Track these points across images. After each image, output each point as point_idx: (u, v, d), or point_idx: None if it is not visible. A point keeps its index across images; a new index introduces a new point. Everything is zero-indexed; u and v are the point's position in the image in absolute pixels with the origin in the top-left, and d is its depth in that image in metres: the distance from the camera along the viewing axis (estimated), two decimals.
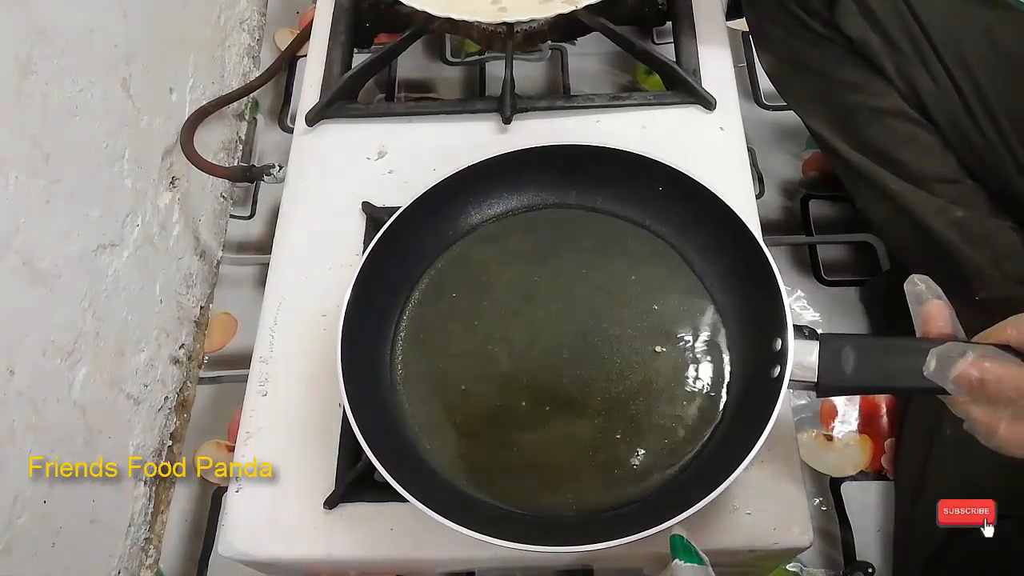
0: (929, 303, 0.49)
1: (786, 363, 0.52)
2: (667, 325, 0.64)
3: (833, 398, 0.91)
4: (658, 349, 0.63)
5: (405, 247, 0.66)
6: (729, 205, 0.62)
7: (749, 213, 0.69)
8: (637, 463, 0.59)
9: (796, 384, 0.52)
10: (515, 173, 0.69)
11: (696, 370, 0.62)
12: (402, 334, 0.65)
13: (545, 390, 0.62)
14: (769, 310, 0.57)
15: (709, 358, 0.62)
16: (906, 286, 0.50)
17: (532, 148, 0.67)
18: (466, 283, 0.67)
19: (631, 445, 0.60)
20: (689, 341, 0.63)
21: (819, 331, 0.53)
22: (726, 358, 0.62)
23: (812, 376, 0.51)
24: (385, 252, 0.63)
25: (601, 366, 0.63)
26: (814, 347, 0.52)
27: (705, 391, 0.61)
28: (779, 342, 0.54)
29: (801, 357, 0.52)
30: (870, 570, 0.84)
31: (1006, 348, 0.46)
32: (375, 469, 0.63)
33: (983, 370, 0.44)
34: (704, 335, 0.63)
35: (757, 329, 0.59)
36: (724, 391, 0.61)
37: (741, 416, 0.58)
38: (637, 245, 0.67)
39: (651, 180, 0.66)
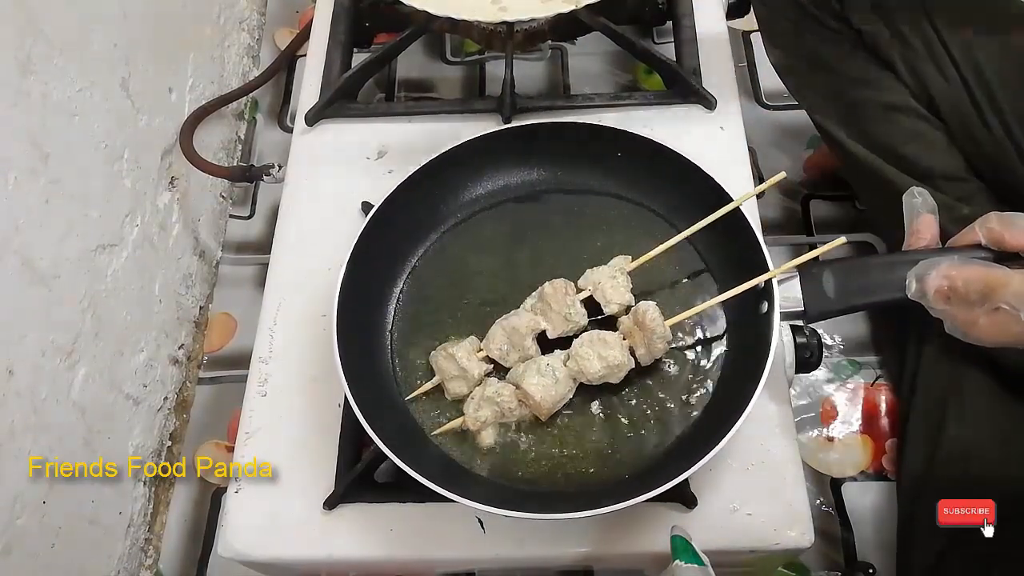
0: (920, 218, 0.53)
1: (773, 297, 0.56)
2: (656, 283, 0.64)
3: (834, 399, 0.91)
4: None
5: (387, 244, 0.67)
6: (684, 155, 0.64)
7: (750, 213, 0.69)
8: (647, 423, 0.60)
9: (785, 316, 0.55)
10: (476, 160, 0.70)
11: (693, 321, 0.63)
12: (394, 331, 0.66)
13: None
14: (747, 251, 0.59)
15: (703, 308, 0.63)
16: (904, 197, 0.54)
17: (490, 133, 0.70)
18: (448, 275, 0.68)
19: (638, 406, 0.61)
20: (679, 295, 0.64)
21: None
22: (718, 305, 0.63)
23: (798, 305, 0.55)
24: (366, 252, 0.64)
25: None
26: (795, 279, 0.55)
27: (704, 338, 0.63)
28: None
29: (785, 289, 0.56)
30: (871, 571, 0.84)
31: (978, 248, 0.50)
32: (375, 468, 0.63)
33: (950, 278, 0.48)
34: (692, 286, 0.65)
35: (739, 272, 0.60)
36: (722, 335, 0.63)
37: (742, 356, 0.60)
38: (608, 212, 0.69)
39: (607, 147, 0.69)
